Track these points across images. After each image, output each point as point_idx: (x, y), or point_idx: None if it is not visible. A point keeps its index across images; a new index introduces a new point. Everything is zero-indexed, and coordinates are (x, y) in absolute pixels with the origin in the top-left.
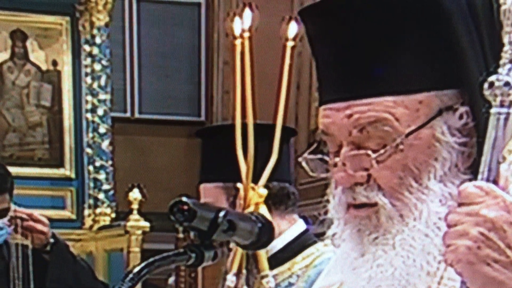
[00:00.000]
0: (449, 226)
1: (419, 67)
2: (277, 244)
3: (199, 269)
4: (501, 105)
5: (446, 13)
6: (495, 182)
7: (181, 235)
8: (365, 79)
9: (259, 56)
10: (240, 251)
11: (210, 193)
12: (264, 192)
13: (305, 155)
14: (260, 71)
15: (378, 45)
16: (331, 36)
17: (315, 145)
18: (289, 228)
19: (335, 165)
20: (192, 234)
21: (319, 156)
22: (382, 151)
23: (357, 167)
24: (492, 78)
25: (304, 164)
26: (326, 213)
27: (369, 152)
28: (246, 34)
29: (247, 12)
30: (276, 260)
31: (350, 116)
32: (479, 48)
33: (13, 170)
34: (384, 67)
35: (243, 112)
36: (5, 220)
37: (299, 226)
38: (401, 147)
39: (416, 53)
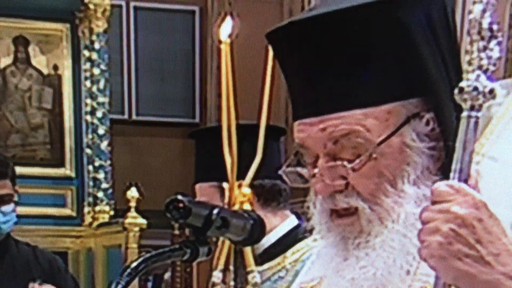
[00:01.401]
0: (423, 223)
1: (385, 79)
2: (270, 239)
3: (194, 264)
4: (471, 109)
5: (406, 29)
6: (466, 181)
7: (176, 232)
8: (335, 94)
9: (252, 60)
10: (226, 248)
11: (205, 192)
12: (248, 191)
13: (284, 168)
14: (252, 75)
15: (345, 62)
16: (299, 56)
17: (292, 157)
18: (281, 223)
19: (314, 175)
20: (187, 230)
21: (297, 169)
22: (357, 160)
23: (335, 177)
24: (462, 84)
25: (284, 176)
26: (308, 220)
27: (345, 163)
28: (227, 40)
29: (228, 20)
30: (268, 255)
31: (324, 129)
32: (439, 57)
33: (16, 169)
34: (352, 82)
35: (229, 113)
36: (11, 207)
37: (291, 221)
38: (374, 155)
39: (381, 67)
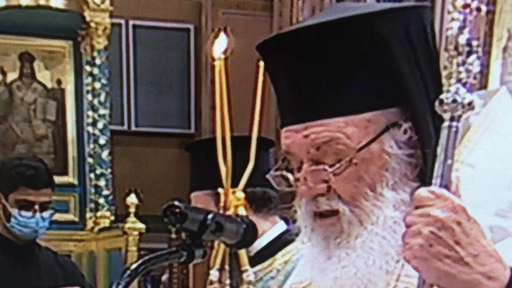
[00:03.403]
0: (406, 226)
1: (365, 90)
2: (261, 242)
3: (190, 266)
4: (451, 119)
5: (386, 42)
6: (447, 187)
7: (174, 236)
8: (318, 103)
9: (243, 75)
10: (222, 249)
11: (201, 199)
12: (242, 195)
13: (271, 172)
14: (243, 89)
15: (329, 73)
16: (287, 67)
17: (280, 163)
18: (271, 228)
19: (298, 179)
20: (183, 234)
21: (282, 173)
22: (337, 165)
23: (317, 180)
24: (442, 96)
25: (271, 180)
26: (295, 222)
27: (326, 167)
28: (222, 56)
29: (222, 36)
30: (260, 257)
31: (307, 136)
32: (417, 70)
33: None
34: (334, 91)
35: (223, 126)
36: (49, 213)
37: (280, 226)
38: (354, 161)
39: (361, 78)
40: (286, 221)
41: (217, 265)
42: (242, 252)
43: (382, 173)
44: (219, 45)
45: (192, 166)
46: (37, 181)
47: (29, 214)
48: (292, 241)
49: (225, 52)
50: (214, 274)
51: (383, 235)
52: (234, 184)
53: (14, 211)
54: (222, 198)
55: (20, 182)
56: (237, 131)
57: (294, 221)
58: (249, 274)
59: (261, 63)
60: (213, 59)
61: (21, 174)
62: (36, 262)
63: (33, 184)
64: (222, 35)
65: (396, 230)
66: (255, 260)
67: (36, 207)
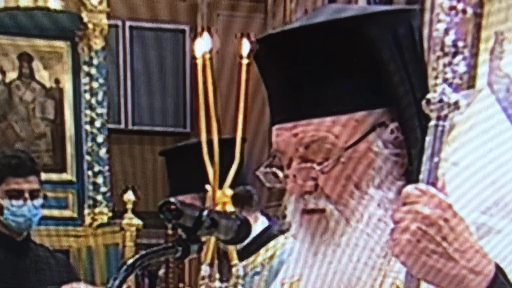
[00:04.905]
0: (395, 222)
1: (353, 90)
2: None
3: (186, 261)
4: (438, 119)
5: (374, 44)
6: (434, 184)
7: (170, 231)
8: (308, 103)
9: (233, 75)
10: (212, 244)
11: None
12: (230, 192)
13: (261, 169)
14: (233, 89)
15: (318, 73)
16: (277, 66)
17: (270, 160)
18: (254, 224)
19: (288, 176)
20: (179, 230)
21: (272, 170)
22: (325, 163)
23: (306, 178)
24: (429, 96)
25: (261, 176)
26: (284, 217)
27: (314, 165)
28: (207, 56)
29: (206, 36)
30: (246, 253)
31: (296, 135)
32: (404, 71)
33: None
34: (323, 91)
35: (208, 126)
36: (40, 201)
37: (263, 222)
38: (342, 159)
39: (350, 79)
40: (268, 217)
41: (208, 261)
42: (231, 248)
43: (369, 172)
44: (200, 45)
45: (171, 171)
46: (22, 168)
47: (20, 202)
48: (275, 236)
49: (210, 51)
50: (204, 269)
51: (367, 232)
52: (219, 186)
53: (6, 202)
54: (210, 195)
55: (6, 173)
56: (232, 132)
57: (284, 217)
58: (238, 268)
59: (244, 61)
60: (195, 58)
61: (6, 165)
62: (33, 257)
63: (19, 172)
64: (205, 35)
65: (381, 227)
66: (241, 256)
67: (26, 195)
